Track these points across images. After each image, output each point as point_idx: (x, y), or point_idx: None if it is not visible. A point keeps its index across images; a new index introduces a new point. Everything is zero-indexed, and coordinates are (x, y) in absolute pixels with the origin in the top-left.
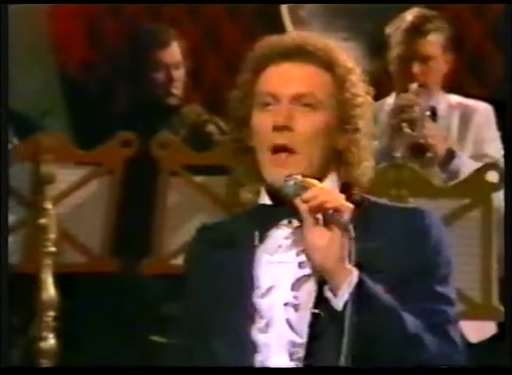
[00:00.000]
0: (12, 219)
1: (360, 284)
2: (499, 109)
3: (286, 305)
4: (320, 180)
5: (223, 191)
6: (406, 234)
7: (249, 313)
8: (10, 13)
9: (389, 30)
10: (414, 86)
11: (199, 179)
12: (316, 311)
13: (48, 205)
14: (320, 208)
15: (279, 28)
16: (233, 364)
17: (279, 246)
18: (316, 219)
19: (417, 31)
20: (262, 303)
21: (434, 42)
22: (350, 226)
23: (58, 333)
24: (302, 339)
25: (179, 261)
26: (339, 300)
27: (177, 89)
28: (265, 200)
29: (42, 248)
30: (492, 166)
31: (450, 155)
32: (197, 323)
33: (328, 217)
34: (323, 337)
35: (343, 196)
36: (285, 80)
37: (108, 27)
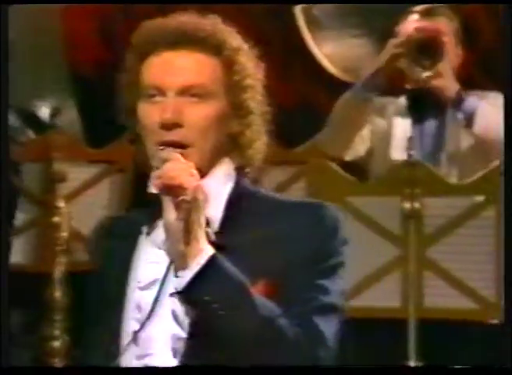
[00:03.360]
0: (24, 217)
1: (212, 264)
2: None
3: (171, 296)
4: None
5: None
6: (300, 227)
7: (129, 306)
8: (22, 13)
9: (398, 26)
10: (426, 73)
11: None
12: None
13: (60, 204)
14: (167, 185)
15: (293, 28)
16: (111, 357)
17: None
18: (168, 197)
19: (425, 18)
20: (143, 296)
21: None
22: (195, 202)
23: (68, 332)
24: (185, 334)
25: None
26: (182, 279)
27: None
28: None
29: (54, 247)
30: None
31: (460, 95)
32: (86, 315)
33: (174, 194)
34: (199, 332)
35: (194, 172)
36: (170, 71)
37: (121, 27)
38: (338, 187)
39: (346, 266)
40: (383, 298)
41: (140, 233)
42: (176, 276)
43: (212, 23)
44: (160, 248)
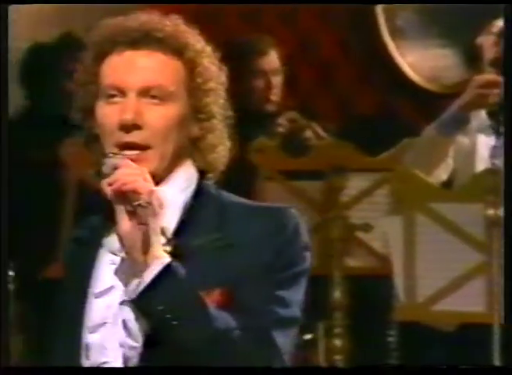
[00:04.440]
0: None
1: (167, 273)
2: None
3: (122, 304)
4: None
5: (318, 196)
6: (258, 232)
7: (82, 314)
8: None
9: (480, 39)
10: None
11: (294, 183)
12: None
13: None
14: (120, 192)
15: (376, 37)
16: (63, 364)
17: None
18: (121, 205)
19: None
20: (96, 304)
21: None
22: (150, 209)
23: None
24: (137, 343)
25: None
26: (136, 288)
27: (275, 95)
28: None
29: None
30: None
31: None
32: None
33: (128, 201)
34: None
35: (148, 177)
36: (130, 70)
37: (206, 37)
38: (421, 194)
39: (308, 272)
40: (467, 303)
41: (97, 237)
42: (127, 286)
43: (174, 24)
44: (116, 254)
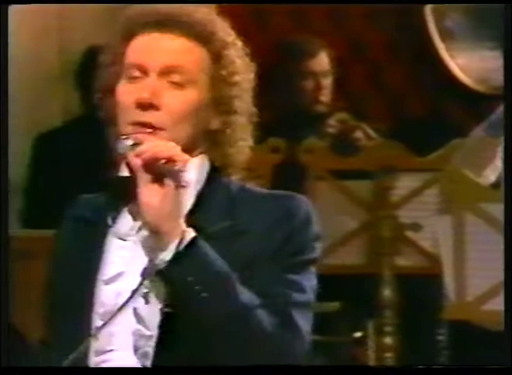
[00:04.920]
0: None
1: (195, 247)
2: None
3: (147, 275)
4: None
5: (368, 195)
6: (269, 219)
7: (90, 299)
8: None
9: None
10: None
11: (344, 183)
12: (167, 310)
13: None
14: (153, 159)
15: (425, 38)
16: (67, 350)
17: (131, 228)
18: (150, 175)
19: None
20: (106, 290)
21: None
22: (184, 177)
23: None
24: (150, 331)
25: (327, 261)
26: (165, 256)
27: (325, 97)
28: (123, 171)
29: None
30: None
31: None
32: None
33: (161, 169)
34: (174, 334)
35: (179, 148)
36: (153, 51)
37: (256, 39)
38: (470, 194)
39: (316, 262)
40: None
41: (105, 219)
42: (152, 261)
43: (205, 13)
44: (124, 240)
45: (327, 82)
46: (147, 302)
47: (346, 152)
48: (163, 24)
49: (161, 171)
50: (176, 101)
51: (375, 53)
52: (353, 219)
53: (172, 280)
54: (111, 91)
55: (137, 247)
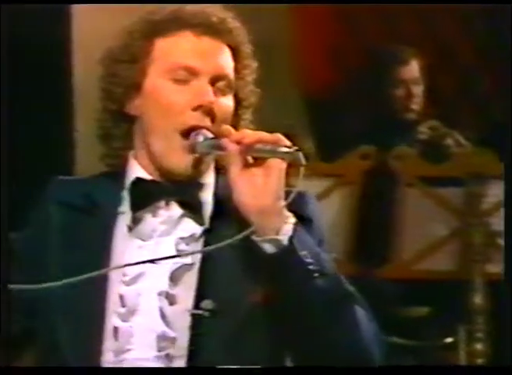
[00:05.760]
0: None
1: (298, 230)
2: None
3: (159, 294)
4: None
5: (459, 202)
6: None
7: (108, 298)
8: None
9: None
10: None
11: (435, 190)
12: (199, 312)
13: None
14: (258, 142)
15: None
16: (80, 349)
17: (153, 230)
18: (246, 161)
19: None
20: (127, 290)
21: None
22: (301, 156)
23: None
24: (174, 333)
25: (418, 267)
26: (283, 237)
27: (416, 104)
28: (136, 172)
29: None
30: None
31: None
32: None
33: (268, 151)
34: (207, 336)
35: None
36: (205, 55)
37: (348, 48)
38: None
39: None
40: None
41: (113, 215)
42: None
43: (230, 17)
44: (145, 241)
45: (418, 90)
46: (171, 304)
47: (437, 159)
48: (209, 27)
49: (268, 153)
50: (224, 109)
51: (465, 60)
52: (443, 226)
53: (287, 263)
54: (135, 87)
55: (158, 247)
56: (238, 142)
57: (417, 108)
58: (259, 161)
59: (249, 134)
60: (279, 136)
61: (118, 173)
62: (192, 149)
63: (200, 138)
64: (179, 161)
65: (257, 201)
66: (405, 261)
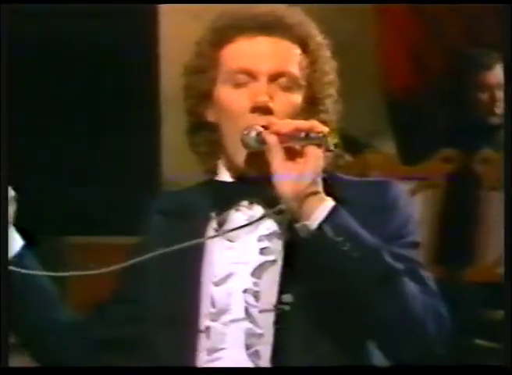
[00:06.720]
0: None
1: (335, 213)
2: None
3: (245, 292)
4: None
5: None
6: (374, 206)
7: (200, 299)
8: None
9: None
10: None
11: None
12: (283, 307)
13: None
14: (295, 131)
15: None
16: (174, 348)
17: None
18: (286, 149)
19: None
20: (217, 291)
21: None
22: (331, 142)
23: None
24: (261, 329)
25: (501, 270)
26: (312, 223)
27: (500, 109)
28: (224, 177)
29: None
30: None
31: None
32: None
33: (304, 138)
34: (289, 332)
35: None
36: (261, 55)
37: (431, 52)
38: None
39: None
40: None
41: (206, 218)
42: (295, 226)
43: (299, 14)
44: (232, 241)
45: (502, 95)
46: (256, 300)
47: None
48: (266, 27)
49: (302, 140)
50: (286, 105)
51: None
52: None
53: (319, 244)
54: (205, 96)
55: (245, 247)
56: (277, 133)
57: (501, 112)
58: (299, 149)
59: (286, 124)
60: (315, 123)
61: (210, 179)
62: (246, 145)
63: (253, 134)
64: (240, 159)
65: (293, 188)
66: (489, 264)
